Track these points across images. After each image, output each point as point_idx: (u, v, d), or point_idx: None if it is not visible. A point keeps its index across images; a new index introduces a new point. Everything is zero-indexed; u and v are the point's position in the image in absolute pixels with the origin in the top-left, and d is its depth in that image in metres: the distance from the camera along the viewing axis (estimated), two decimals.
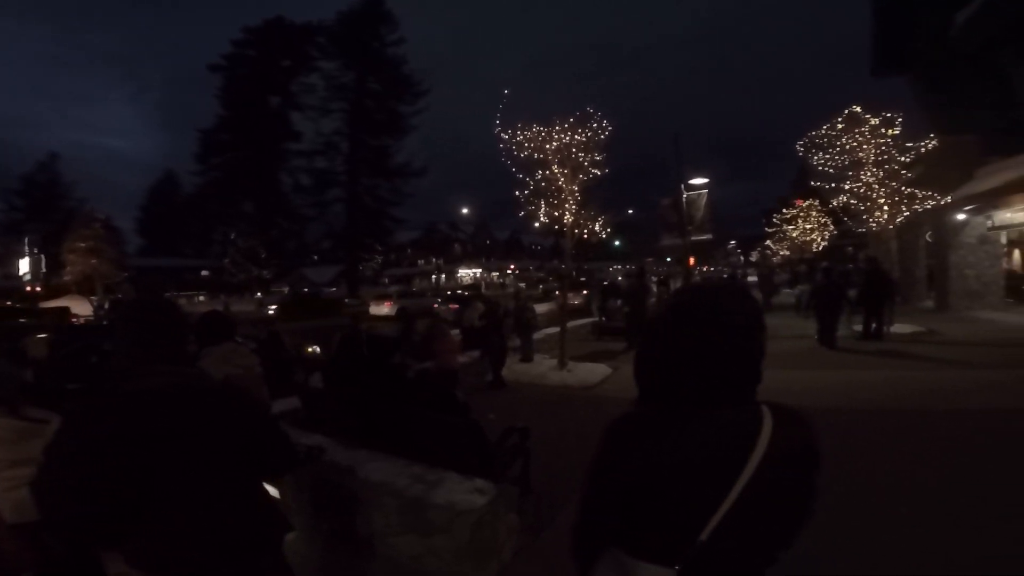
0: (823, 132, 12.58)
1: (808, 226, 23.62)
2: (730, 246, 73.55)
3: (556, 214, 8.09)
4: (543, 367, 8.48)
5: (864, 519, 3.11)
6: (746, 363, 1.03)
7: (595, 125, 8.04)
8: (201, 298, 38.93)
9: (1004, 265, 14.81)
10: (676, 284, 18.45)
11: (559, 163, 8.09)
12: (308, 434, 3.65)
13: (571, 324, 14.63)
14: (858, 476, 3.60)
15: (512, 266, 63.36)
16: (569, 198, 8.05)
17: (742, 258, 69.21)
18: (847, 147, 12.13)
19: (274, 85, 40.63)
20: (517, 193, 8.29)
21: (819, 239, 23.57)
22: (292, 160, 39.58)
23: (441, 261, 52.29)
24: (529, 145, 7.99)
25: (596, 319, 13.66)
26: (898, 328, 10.42)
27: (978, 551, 2.77)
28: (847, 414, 5.26)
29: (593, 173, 8.23)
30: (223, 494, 1.40)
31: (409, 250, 67.70)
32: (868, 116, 11.85)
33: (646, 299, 11.07)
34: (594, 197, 8.47)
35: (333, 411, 4.18)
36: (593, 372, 8.11)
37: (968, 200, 13.02)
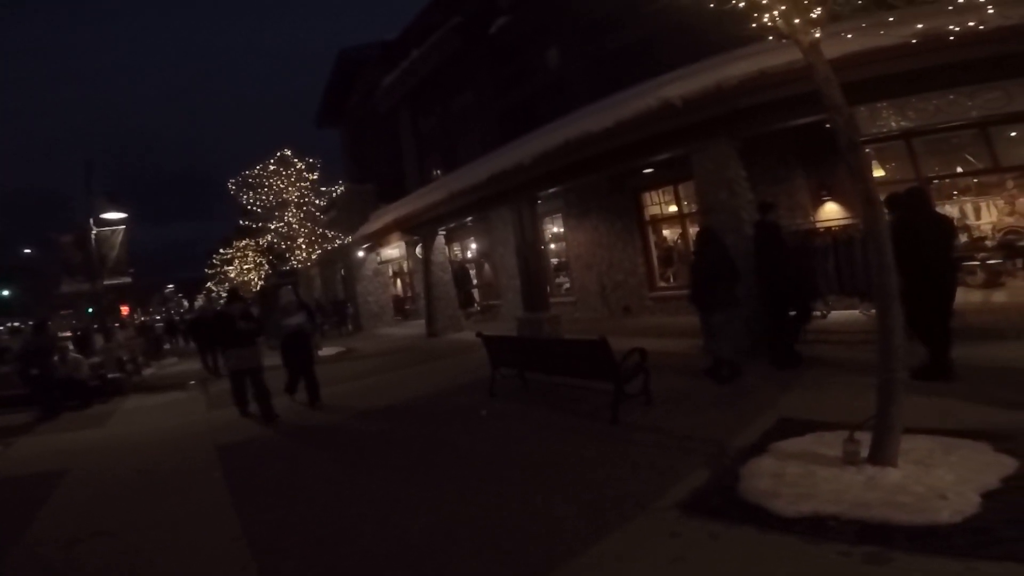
0: (256, 172, 12.90)
1: (246, 266, 23.64)
2: (168, 290, 65.35)
3: None
4: None
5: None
6: None
7: None
8: None
9: (392, 291, 19.47)
10: (99, 340, 14.40)
11: None
12: None
13: None
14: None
15: None
16: None
17: (185, 303, 62.87)
18: (275, 188, 12.84)
19: None
20: None
21: (256, 278, 23.85)
22: None
23: None
24: None
25: None
26: (326, 351, 11.75)
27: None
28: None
29: None
30: None
31: None
32: (296, 160, 12.93)
33: (51, 357, 9.26)
34: None
35: None
36: None
37: (364, 239, 16.29)
